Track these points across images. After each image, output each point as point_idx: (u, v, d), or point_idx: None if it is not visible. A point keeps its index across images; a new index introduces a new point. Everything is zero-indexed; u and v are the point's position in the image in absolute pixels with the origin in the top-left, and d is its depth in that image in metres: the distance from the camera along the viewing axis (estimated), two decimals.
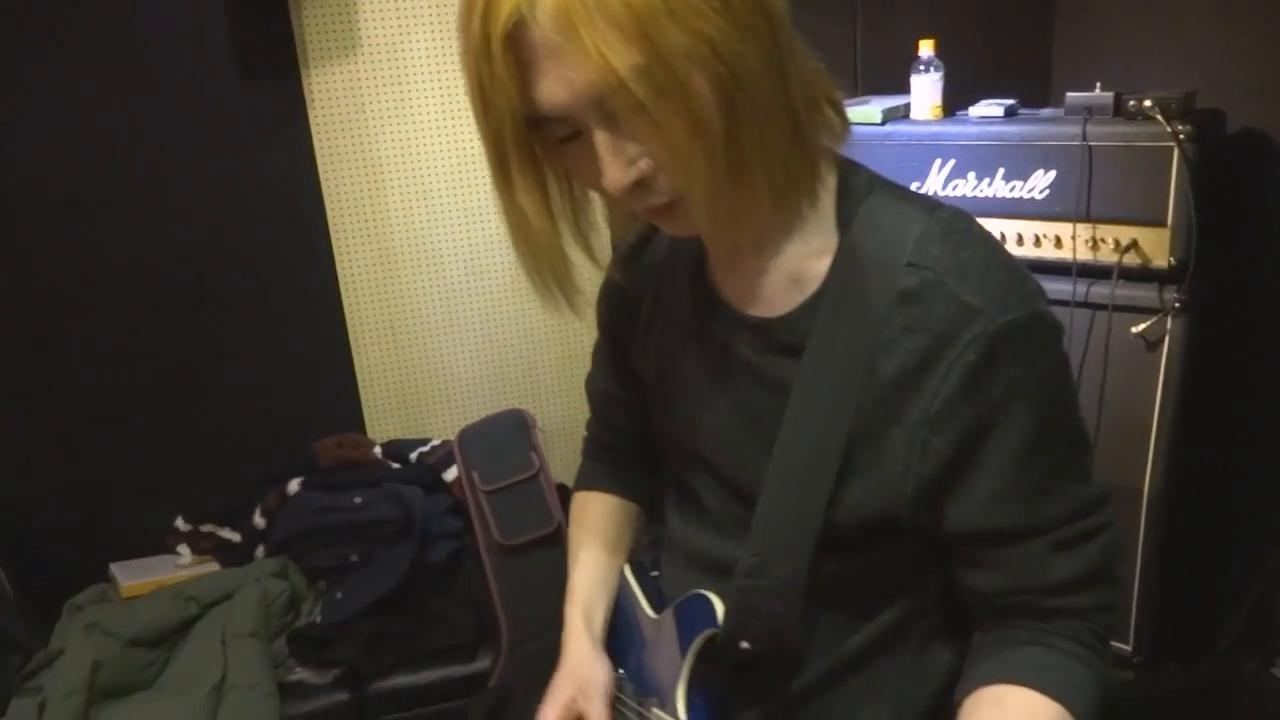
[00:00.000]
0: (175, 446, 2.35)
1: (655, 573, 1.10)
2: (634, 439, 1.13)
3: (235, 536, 2.26)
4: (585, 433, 1.22)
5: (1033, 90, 2.26)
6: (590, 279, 0.89)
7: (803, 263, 0.84)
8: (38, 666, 1.93)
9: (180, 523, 2.29)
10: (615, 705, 1.03)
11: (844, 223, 0.83)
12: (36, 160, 2.14)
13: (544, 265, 0.80)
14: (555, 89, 0.70)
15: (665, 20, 0.66)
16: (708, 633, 0.89)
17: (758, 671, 0.91)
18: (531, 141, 0.76)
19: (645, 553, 1.17)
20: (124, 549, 2.25)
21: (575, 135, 0.75)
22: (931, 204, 0.83)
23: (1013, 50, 2.37)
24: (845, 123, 0.84)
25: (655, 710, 0.96)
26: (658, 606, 1.03)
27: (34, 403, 2.25)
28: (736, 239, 0.86)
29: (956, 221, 0.81)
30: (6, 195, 2.14)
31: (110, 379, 2.28)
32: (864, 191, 0.84)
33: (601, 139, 0.73)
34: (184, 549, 2.25)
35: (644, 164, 0.74)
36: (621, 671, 1.06)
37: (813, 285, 0.83)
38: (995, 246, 0.81)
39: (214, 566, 2.20)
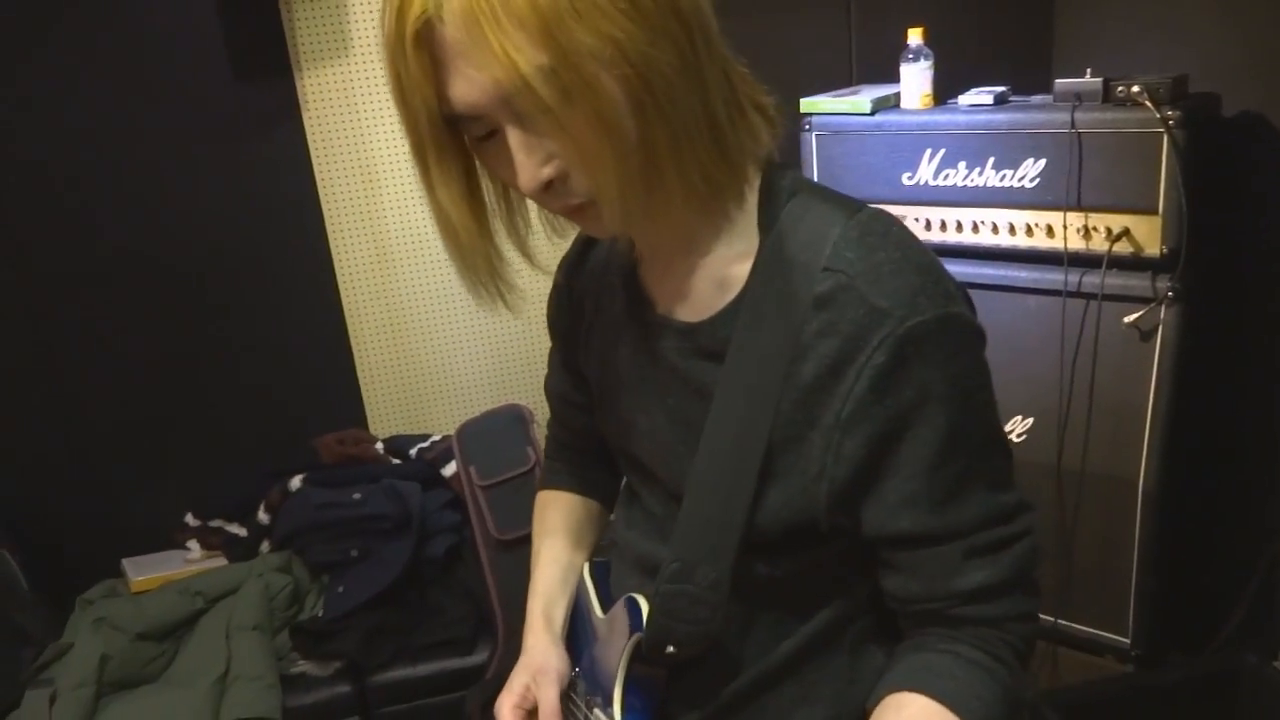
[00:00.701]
0: (184, 444, 2.40)
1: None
2: (591, 439, 1.13)
3: (242, 531, 2.30)
4: (547, 431, 1.23)
5: (1033, 77, 2.23)
6: (531, 278, 0.90)
7: (728, 266, 0.84)
8: (49, 659, 1.99)
9: (190, 518, 2.34)
10: (567, 703, 1.05)
11: (765, 226, 0.83)
12: (35, 162, 2.19)
13: (468, 261, 0.81)
14: (465, 89, 0.71)
15: (571, 21, 0.66)
16: (636, 636, 0.90)
17: (694, 674, 0.91)
18: (451, 138, 0.77)
19: (606, 552, 1.18)
20: (135, 544, 2.30)
21: (492, 134, 0.75)
22: (853, 206, 0.82)
23: (1009, 37, 2.33)
24: (773, 127, 0.84)
25: (597, 711, 0.97)
26: (607, 607, 1.04)
27: (45, 404, 2.31)
28: (657, 240, 0.86)
29: (874, 223, 0.80)
30: (6, 196, 2.19)
31: (119, 379, 2.34)
32: (786, 194, 0.84)
33: (514, 138, 0.73)
34: (193, 544, 2.30)
35: (556, 164, 0.74)
36: (577, 670, 1.07)
37: (735, 289, 0.83)
38: (912, 248, 0.80)
39: (222, 561, 2.25)
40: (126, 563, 2.27)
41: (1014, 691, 0.80)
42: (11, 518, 2.21)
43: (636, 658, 0.92)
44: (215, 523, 2.34)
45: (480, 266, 0.81)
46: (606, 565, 1.14)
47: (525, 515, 2.11)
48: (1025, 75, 2.11)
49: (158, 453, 2.38)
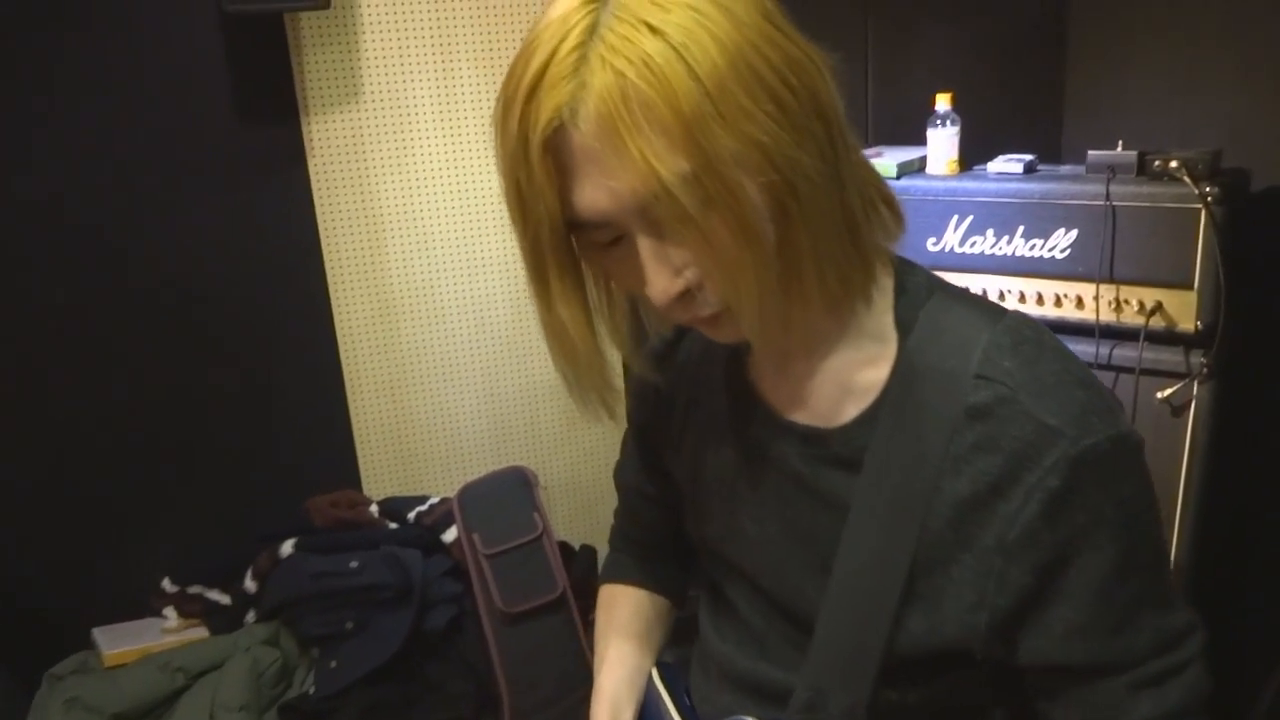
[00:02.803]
0: (163, 503, 2.26)
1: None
2: (661, 533, 1.08)
3: (225, 599, 2.17)
4: (613, 521, 1.16)
5: (1045, 144, 2.23)
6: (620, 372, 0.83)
7: (857, 370, 0.79)
8: None
9: (166, 584, 2.20)
10: None
11: (902, 327, 0.78)
12: (30, 200, 2.06)
13: (584, 377, 0.75)
14: (596, 196, 0.66)
15: (716, 126, 0.62)
16: None
17: None
18: (569, 245, 0.71)
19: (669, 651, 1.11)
20: (107, 612, 2.15)
21: (618, 240, 0.70)
22: (996, 311, 0.78)
23: (1024, 103, 2.34)
24: (899, 220, 0.79)
25: None
26: (688, 718, 0.97)
27: (12, 453, 2.15)
28: (787, 345, 0.80)
29: (1025, 330, 0.76)
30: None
31: (93, 429, 2.19)
32: (923, 294, 0.79)
33: (646, 247, 0.68)
34: (170, 612, 2.16)
35: (691, 273, 0.69)
36: None
37: (871, 394, 0.78)
38: (1071, 360, 0.75)
39: (202, 631, 2.11)
40: (98, 633, 2.12)
41: None
42: None
43: None
44: (195, 589, 2.20)
45: (595, 382, 0.75)
46: (674, 669, 1.06)
47: (532, 586, 2.05)
48: (1036, 143, 2.10)
49: (133, 512, 2.24)
